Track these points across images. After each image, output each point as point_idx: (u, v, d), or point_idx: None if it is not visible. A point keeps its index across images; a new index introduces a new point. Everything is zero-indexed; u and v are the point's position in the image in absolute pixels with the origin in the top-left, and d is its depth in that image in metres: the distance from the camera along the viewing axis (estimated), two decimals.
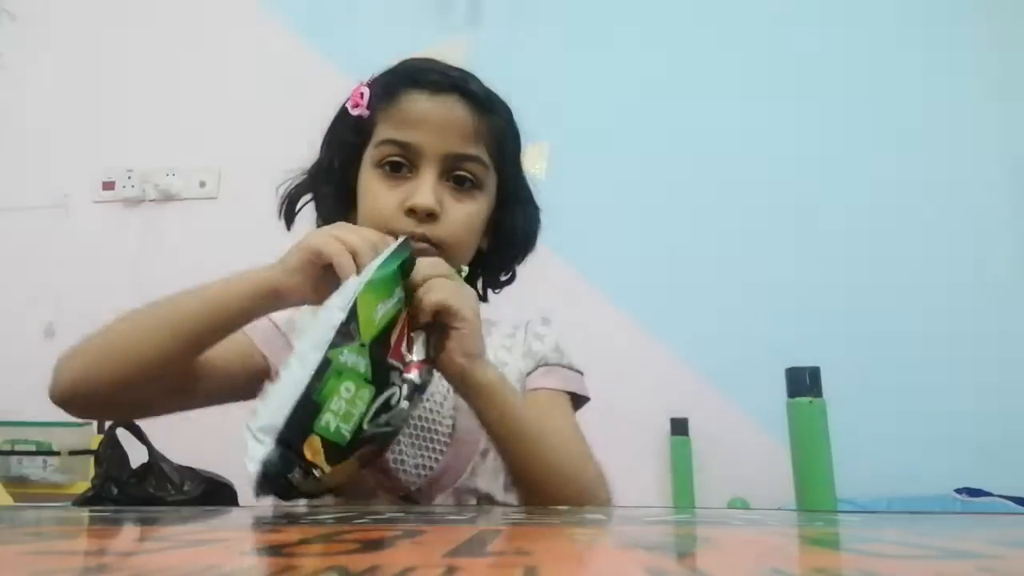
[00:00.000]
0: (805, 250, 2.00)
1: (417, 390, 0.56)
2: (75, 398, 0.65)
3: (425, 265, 0.60)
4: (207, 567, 0.20)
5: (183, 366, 0.65)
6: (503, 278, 0.83)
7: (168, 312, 0.64)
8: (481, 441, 0.73)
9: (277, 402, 0.50)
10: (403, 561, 0.22)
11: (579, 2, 2.25)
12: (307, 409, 0.50)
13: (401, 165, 0.71)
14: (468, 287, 0.64)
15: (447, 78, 0.71)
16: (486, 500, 0.73)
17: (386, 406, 0.53)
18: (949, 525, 0.39)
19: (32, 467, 1.89)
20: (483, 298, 0.82)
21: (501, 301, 0.85)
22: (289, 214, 0.80)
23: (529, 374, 0.78)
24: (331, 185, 0.78)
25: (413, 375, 0.56)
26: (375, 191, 0.72)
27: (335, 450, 0.51)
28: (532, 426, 0.65)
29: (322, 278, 0.59)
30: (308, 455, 0.50)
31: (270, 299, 0.62)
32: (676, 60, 2.18)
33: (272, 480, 0.49)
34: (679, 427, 1.89)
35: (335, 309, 0.53)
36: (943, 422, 1.83)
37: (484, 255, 0.78)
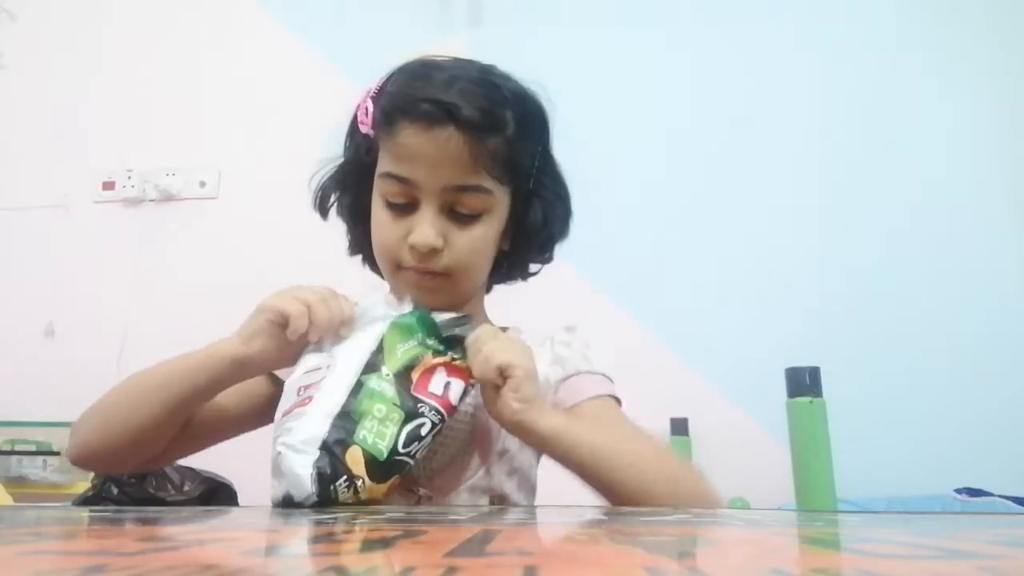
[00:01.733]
0: (805, 251, 2.00)
1: (438, 425, 0.60)
2: (87, 460, 0.75)
3: (478, 336, 0.64)
4: (207, 567, 0.20)
5: (175, 426, 0.70)
6: (532, 270, 0.83)
7: (155, 382, 0.69)
8: (498, 441, 0.73)
9: (315, 418, 0.55)
10: (403, 561, 0.22)
11: (579, 2, 2.26)
12: (346, 422, 0.55)
13: (404, 204, 0.72)
14: (519, 342, 0.66)
15: (441, 108, 0.68)
16: (499, 500, 0.73)
17: (417, 435, 0.58)
18: (949, 525, 0.39)
19: (32, 467, 1.89)
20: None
21: (501, 302, 0.85)
22: (323, 208, 0.82)
23: (563, 381, 0.77)
24: (348, 196, 0.80)
25: (440, 408, 0.60)
26: (381, 223, 0.73)
27: (375, 465, 0.55)
28: (622, 452, 0.65)
29: (285, 339, 0.63)
30: (350, 465, 0.54)
31: (234, 370, 0.66)
32: (677, 60, 2.18)
33: (320, 488, 0.52)
34: (679, 427, 1.89)
35: (367, 339, 0.60)
36: (943, 422, 1.83)
37: (506, 254, 0.78)
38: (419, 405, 0.59)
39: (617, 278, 2.01)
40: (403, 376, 0.60)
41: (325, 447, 0.54)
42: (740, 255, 2.02)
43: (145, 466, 0.75)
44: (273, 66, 2.31)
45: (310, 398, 0.57)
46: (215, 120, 2.31)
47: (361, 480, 0.54)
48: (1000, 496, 1.65)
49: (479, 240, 0.72)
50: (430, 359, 0.62)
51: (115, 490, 1.46)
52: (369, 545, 0.26)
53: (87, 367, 2.12)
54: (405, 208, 0.71)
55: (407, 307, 0.66)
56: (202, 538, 0.28)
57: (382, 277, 0.81)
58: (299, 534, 0.31)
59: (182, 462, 1.23)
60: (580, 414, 0.73)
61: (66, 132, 2.38)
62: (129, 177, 2.30)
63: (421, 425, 0.58)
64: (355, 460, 0.54)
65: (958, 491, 1.69)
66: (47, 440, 1.91)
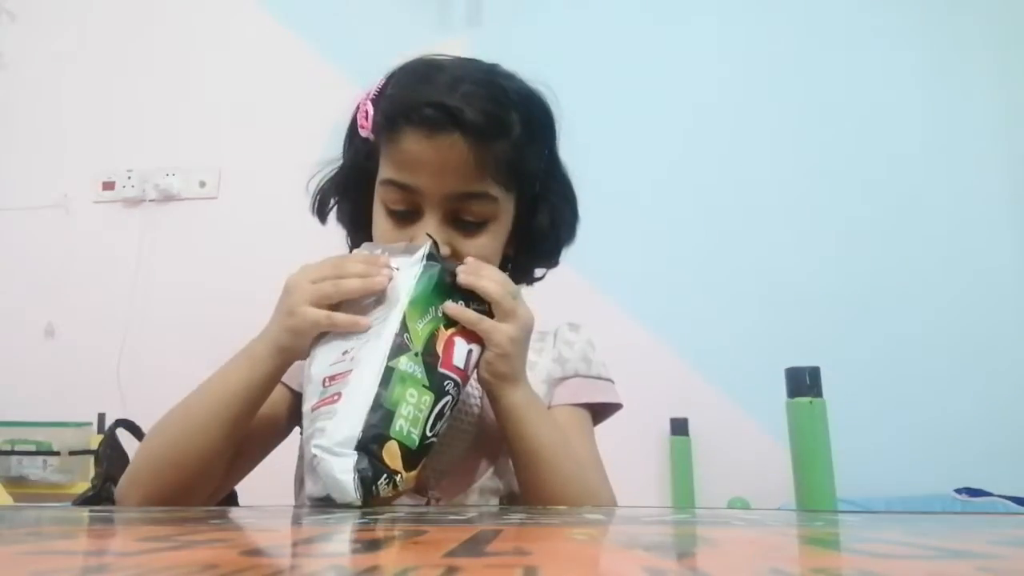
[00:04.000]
0: (805, 251, 2.00)
1: (456, 399, 0.59)
2: (155, 504, 0.67)
3: (494, 286, 0.62)
4: (207, 567, 0.20)
5: (234, 448, 0.66)
6: (538, 275, 0.82)
7: (207, 407, 0.64)
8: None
9: (348, 416, 0.53)
10: (403, 561, 0.22)
11: (579, 2, 2.26)
12: (381, 416, 0.53)
13: (406, 212, 0.69)
14: (524, 312, 0.64)
15: (443, 112, 0.65)
16: (508, 500, 0.72)
17: (442, 413, 0.56)
18: (949, 525, 0.39)
19: (32, 467, 1.89)
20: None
21: None
22: (322, 213, 0.79)
23: (561, 381, 0.77)
24: (349, 202, 0.77)
25: (459, 380, 0.59)
26: (382, 231, 0.70)
27: (409, 455, 0.53)
28: (549, 451, 0.65)
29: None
30: (388, 461, 0.52)
31: (287, 362, 0.64)
32: (677, 60, 2.18)
33: (364, 491, 0.51)
34: (679, 427, 1.89)
35: (390, 323, 0.57)
36: (943, 422, 1.83)
37: (513, 258, 0.76)
38: (445, 382, 0.57)
39: (617, 278, 2.01)
40: (430, 353, 0.57)
41: (363, 447, 0.52)
42: (740, 255, 2.02)
43: (208, 501, 0.71)
44: (273, 66, 2.31)
45: (339, 394, 0.55)
46: (215, 120, 2.31)
47: (400, 475, 0.53)
48: (1000, 496, 1.65)
49: (486, 249, 0.70)
50: (443, 331, 0.59)
51: (115, 490, 1.46)
52: (369, 545, 0.26)
53: (87, 367, 2.13)
54: (407, 216, 0.69)
55: (419, 252, 0.62)
56: (202, 538, 0.28)
57: None
58: (299, 534, 0.31)
59: None
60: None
61: (66, 132, 2.38)
62: (129, 177, 2.30)
63: (445, 403, 0.57)
64: (393, 455, 0.52)
65: (958, 491, 1.69)
66: (47, 440, 1.91)
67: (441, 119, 0.65)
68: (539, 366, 0.76)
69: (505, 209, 0.71)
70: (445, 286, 0.61)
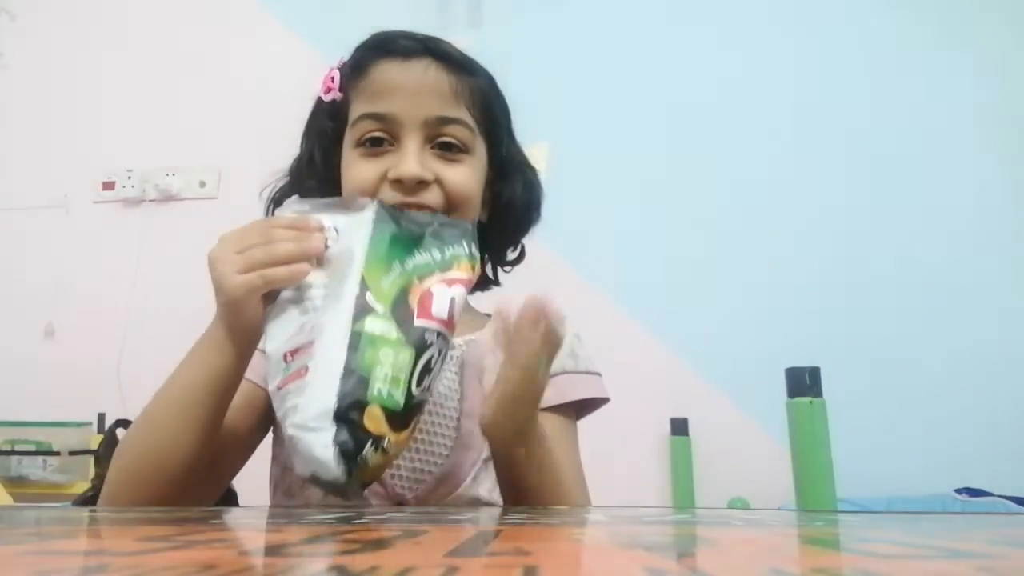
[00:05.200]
0: (805, 250, 2.00)
1: (443, 349, 0.54)
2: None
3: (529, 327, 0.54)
4: (207, 567, 0.20)
5: (208, 454, 0.61)
6: (511, 255, 0.79)
7: (174, 411, 0.59)
8: (485, 448, 0.69)
9: (319, 388, 0.49)
10: (403, 561, 0.22)
11: (579, 2, 2.26)
12: (355, 382, 0.49)
13: (382, 139, 0.66)
14: (540, 379, 0.56)
15: (417, 42, 0.67)
16: (487, 508, 0.70)
17: (427, 368, 0.52)
18: (949, 525, 0.39)
19: (32, 467, 1.89)
20: (495, 281, 0.78)
21: (498, 301, 0.84)
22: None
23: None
24: (314, 179, 0.73)
25: (443, 331, 0.54)
26: (356, 168, 0.67)
27: (395, 417, 0.50)
28: (541, 496, 0.61)
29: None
30: (370, 427, 0.49)
31: (243, 345, 0.58)
32: (677, 60, 2.18)
33: (347, 463, 0.48)
34: (679, 427, 1.89)
35: (348, 285, 0.53)
36: (943, 422, 1.83)
37: (486, 230, 0.71)
38: (425, 335, 0.52)
39: (617, 278, 2.01)
40: (401, 308, 0.53)
41: (340, 418, 0.48)
42: (741, 255, 2.02)
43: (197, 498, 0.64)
44: (273, 66, 2.31)
45: (305, 368, 0.51)
46: (215, 120, 2.31)
47: (386, 439, 0.49)
48: (1000, 496, 1.65)
49: (467, 178, 0.67)
50: (418, 284, 0.54)
51: None
52: (369, 545, 0.26)
53: (87, 367, 2.12)
54: (382, 149, 0.66)
55: (367, 211, 0.58)
56: (202, 538, 0.28)
57: None
58: (299, 534, 0.31)
59: None
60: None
61: (66, 132, 2.37)
62: (129, 177, 2.30)
63: (430, 357, 0.52)
64: (375, 420, 0.49)
65: (958, 491, 1.69)
66: (47, 440, 1.91)
67: (416, 47, 0.67)
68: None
69: (480, 147, 0.70)
70: (405, 240, 0.56)
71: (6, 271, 2.29)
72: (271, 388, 0.54)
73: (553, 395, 0.73)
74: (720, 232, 2.04)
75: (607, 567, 0.23)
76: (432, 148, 0.67)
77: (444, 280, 0.56)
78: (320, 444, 0.48)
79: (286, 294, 0.56)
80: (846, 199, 2.03)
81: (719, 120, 2.11)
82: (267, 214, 0.75)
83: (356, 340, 0.51)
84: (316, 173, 0.73)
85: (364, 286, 0.53)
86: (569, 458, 0.72)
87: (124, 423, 1.58)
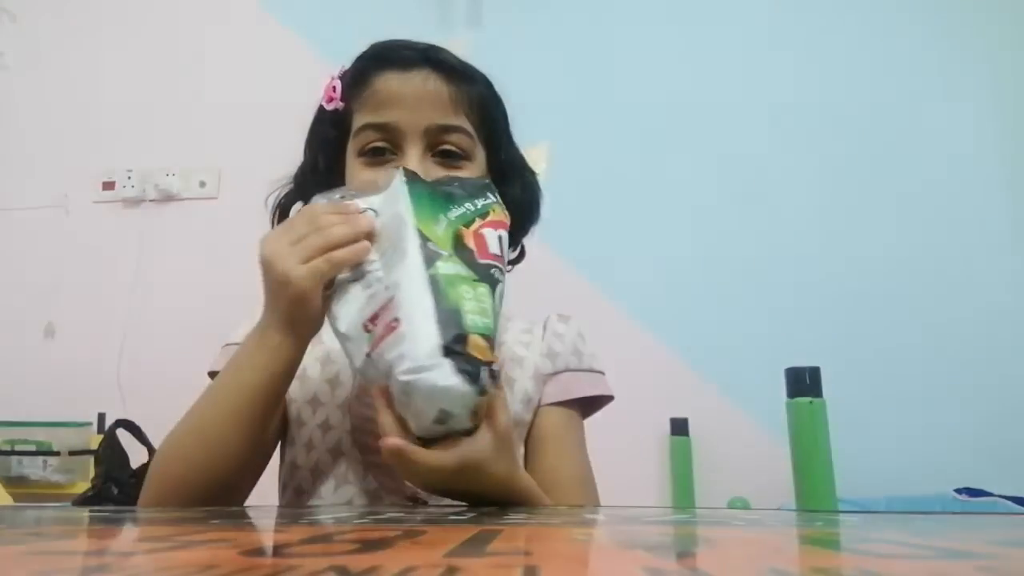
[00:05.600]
0: (805, 251, 2.00)
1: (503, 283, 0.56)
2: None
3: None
4: (207, 567, 0.20)
5: (260, 458, 0.63)
6: (511, 255, 0.79)
7: (224, 423, 0.58)
8: None
9: (418, 331, 0.49)
10: (403, 561, 0.22)
11: (579, 2, 2.26)
12: (450, 318, 0.50)
13: (384, 149, 0.69)
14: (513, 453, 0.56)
15: (416, 52, 0.70)
16: None
17: (501, 301, 0.55)
18: (949, 525, 0.39)
19: (32, 467, 1.89)
20: None
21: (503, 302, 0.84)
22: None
23: (552, 376, 0.75)
24: (320, 186, 0.72)
25: (501, 267, 0.56)
26: (359, 176, 0.69)
27: (490, 342, 0.51)
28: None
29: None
30: (478, 355, 0.49)
31: (305, 340, 0.59)
32: (676, 59, 2.18)
33: (473, 383, 0.48)
34: (679, 427, 1.89)
35: (408, 241, 0.54)
36: (943, 422, 1.83)
37: None
38: (491, 270, 0.55)
39: (617, 278, 2.01)
40: (462, 251, 0.55)
41: (449, 351, 0.48)
42: (741, 255, 2.02)
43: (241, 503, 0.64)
44: (273, 66, 2.31)
45: (396, 319, 0.51)
46: (215, 120, 2.31)
47: (493, 364, 0.50)
48: (1000, 496, 1.65)
49: None
50: (466, 229, 0.57)
51: (115, 490, 1.46)
52: (369, 545, 0.26)
53: (87, 367, 2.13)
54: (385, 158, 0.69)
55: (396, 180, 0.59)
56: (202, 538, 0.28)
57: None
58: (299, 534, 0.31)
59: None
60: (543, 424, 0.72)
61: (66, 132, 2.38)
62: (129, 177, 2.30)
63: (500, 290, 0.54)
64: (479, 348, 0.49)
65: (958, 491, 1.69)
66: (47, 440, 1.91)
67: (415, 57, 0.69)
68: (528, 361, 0.74)
69: (480, 153, 0.72)
70: (440, 196, 0.59)
71: (6, 271, 2.29)
72: (357, 365, 0.54)
73: (557, 392, 0.74)
74: (720, 232, 2.04)
75: (607, 567, 0.23)
76: (433, 156, 0.69)
77: (487, 224, 0.58)
78: (442, 376, 0.48)
79: (343, 276, 0.56)
80: (846, 199, 2.03)
81: (719, 120, 2.11)
82: (272, 222, 0.77)
83: (435, 283, 0.51)
84: (320, 181, 0.74)
85: (424, 237, 0.54)
86: (573, 456, 0.72)
87: (124, 423, 1.58)
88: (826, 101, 2.10)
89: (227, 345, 0.75)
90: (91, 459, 1.64)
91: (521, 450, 0.73)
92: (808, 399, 1.12)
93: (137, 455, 1.52)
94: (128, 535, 0.34)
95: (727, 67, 2.16)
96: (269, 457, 0.69)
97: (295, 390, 0.70)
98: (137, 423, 1.58)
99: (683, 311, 1.99)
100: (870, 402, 1.82)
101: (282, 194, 0.79)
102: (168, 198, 2.28)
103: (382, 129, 0.69)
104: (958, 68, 2.09)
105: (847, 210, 2.02)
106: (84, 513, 0.51)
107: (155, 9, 2.45)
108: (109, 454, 1.52)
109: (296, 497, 0.71)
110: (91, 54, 2.43)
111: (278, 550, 0.27)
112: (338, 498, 0.68)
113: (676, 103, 2.13)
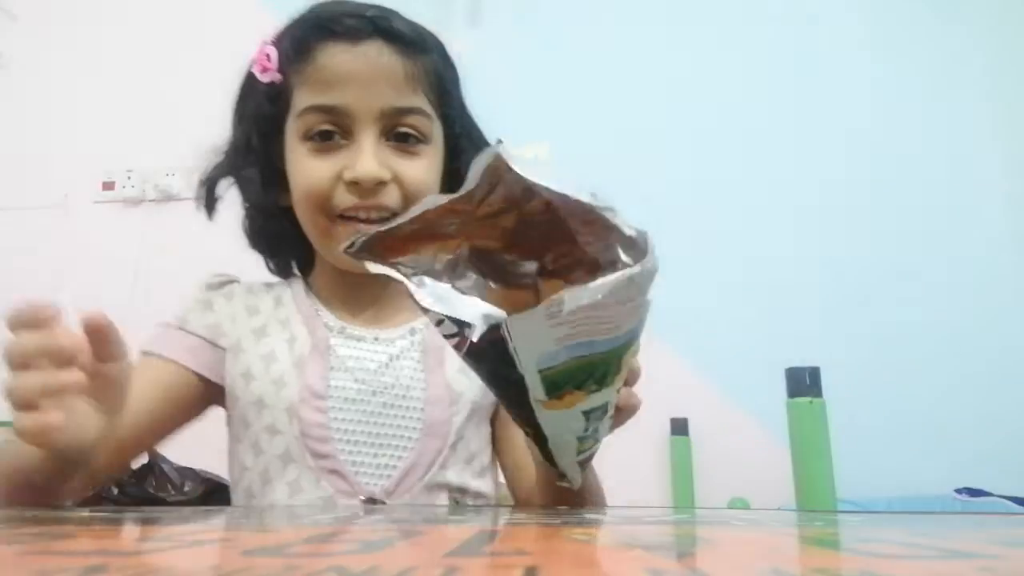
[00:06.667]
0: (805, 250, 2.00)
1: None
2: None
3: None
4: (207, 567, 0.20)
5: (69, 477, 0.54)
6: None
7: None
8: (451, 432, 0.66)
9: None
10: (403, 561, 0.22)
11: (579, 2, 2.26)
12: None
13: (332, 133, 0.62)
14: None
15: (365, 20, 0.61)
16: (458, 492, 0.67)
17: None
18: (949, 525, 0.39)
19: None
20: None
21: None
22: (210, 202, 0.72)
23: None
24: (253, 166, 0.69)
25: None
26: (306, 167, 0.62)
27: None
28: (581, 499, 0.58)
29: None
30: None
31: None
32: (676, 59, 2.18)
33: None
34: (679, 427, 1.89)
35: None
36: (943, 422, 1.83)
37: None
38: None
39: None
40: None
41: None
42: (740, 255, 2.02)
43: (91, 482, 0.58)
44: None
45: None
46: (215, 120, 2.30)
47: None
48: (1000, 496, 1.65)
49: (428, 172, 0.63)
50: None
51: (115, 490, 1.46)
52: (369, 545, 0.26)
53: None
54: (334, 143, 0.61)
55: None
56: (202, 538, 0.28)
57: (282, 273, 0.71)
58: (299, 534, 0.31)
59: (182, 462, 1.23)
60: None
61: (66, 132, 2.37)
62: (129, 177, 2.30)
63: None
64: None
65: (958, 491, 1.69)
66: None
67: (364, 27, 0.60)
68: None
69: (437, 131, 0.65)
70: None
71: (6, 271, 2.28)
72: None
73: None
74: (720, 231, 2.04)
75: (607, 567, 0.23)
76: (388, 140, 0.62)
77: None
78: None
79: None
80: (846, 199, 2.03)
81: (718, 119, 2.11)
82: (202, 200, 0.69)
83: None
84: (254, 160, 0.68)
85: None
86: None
87: None
88: (825, 102, 2.10)
89: (166, 326, 0.72)
90: None
91: (486, 443, 0.71)
92: (808, 399, 1.12)
93: None
94: (128, 535, 0.34)
95: (727, 67, 2.16)
96: (145, 437, 0.63)
97: (239, 388, 0.66)
98: None
99: (684, 311, 1.99)
100: (870, 402, 1.82)
101: (211, 169, 0.72)
102: (168, 198, 2.28)
103: (330, 112, 0.61)
104: (959, 67, 2.09)
105: (848, 210, 2.02)
106: (84, 513, 0.51)
107: (155, 9, 2.45)
108: None
109: (246, 498, 0.67)
110: (91, 54, 2.43)
111: (278, 550, 0.27)
112: (290, 500, 0.65)
113: (676, 102, 2.13)
